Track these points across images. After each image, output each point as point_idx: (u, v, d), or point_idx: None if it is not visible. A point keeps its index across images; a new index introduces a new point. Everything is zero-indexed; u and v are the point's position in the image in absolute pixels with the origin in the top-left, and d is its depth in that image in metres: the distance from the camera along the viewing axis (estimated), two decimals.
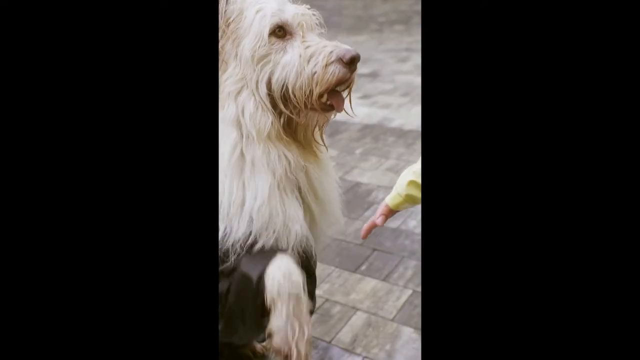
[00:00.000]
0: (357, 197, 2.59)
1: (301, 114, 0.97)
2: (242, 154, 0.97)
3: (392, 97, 4.27)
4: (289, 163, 0.98)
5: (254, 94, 0.94)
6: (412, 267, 2.00)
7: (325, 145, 1.08)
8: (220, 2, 0.93)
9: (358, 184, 2.73)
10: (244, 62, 0.94)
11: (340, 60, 0.93)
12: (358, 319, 1.75)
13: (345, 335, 1.68)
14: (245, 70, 0.94)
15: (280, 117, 0.97)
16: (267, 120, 0.95)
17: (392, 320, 1.73)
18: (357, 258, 2.09)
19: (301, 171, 1.02)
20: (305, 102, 0.95)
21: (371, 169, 2.90)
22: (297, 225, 1.01)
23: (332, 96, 0.98)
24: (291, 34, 0.97)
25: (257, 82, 0.94)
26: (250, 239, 0.97)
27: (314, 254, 1.09)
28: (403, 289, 1.87)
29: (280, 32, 0.95)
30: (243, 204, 0.96)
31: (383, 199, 2.51)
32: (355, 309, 1.79)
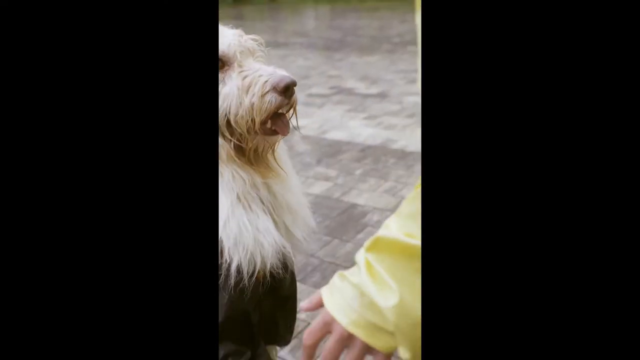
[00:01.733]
0: (351, 219, 2.57)
1: (246, 141, 1.00)
2: None
3: (397, 118, 4.27)
4: (245, 182, 0.99)
5: None
6: None
7: (280, 166, 1.09)
8: None
9: (354, 206, 2.72)
10: None
11: (274, 89, 0.96)
12: None
13: None
14: None
15: (229, 143, 1.00)
16: None
17: None
18: None
19: (262, 188, 1.04)
20: (248, 130, 0.98)
21: (369, 191, 2.90)
22: (270, 237, 1.02)
23: (275, 121, 1.00)
24: (229, 64, 0.98)
25: None
26: (224, 257, 0.99)
27: (291, 262, 1.12)
28: None
29: (220, 64, 0.97)
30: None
31: (378, 221, 2.52)
32: None
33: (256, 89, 0.95)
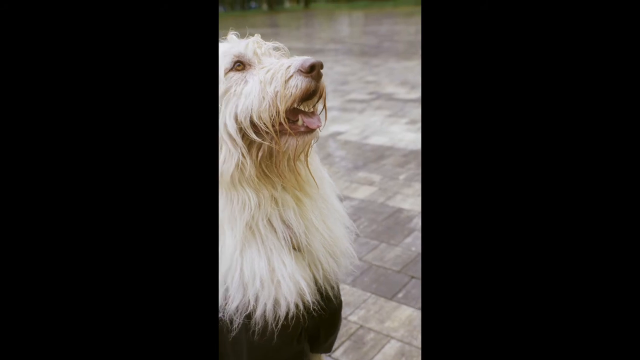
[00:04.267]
0: (397, 224, 2.57)
1: (276, 141, 0.90)
2: None
3: None
4: (260, 205, 0.92)
5: (220, 136, 0.89)
6: None
7: (313, 177, 1.00)
8: None
9: (400, 210, 2.71)
10: None
11: (299, 71, 0.88)
12: (391, 347, 1.73)
13: None
14: None
15: (257, 151, 0.91)
16: (231, 161, 0.89)
17: None
18: (394, 285, 2.07)
19: (288, 205, 0.96)
20: (274, 125, 0.89)
21: (414, 195, 2.88)
22: (287, 279, 0.95)
23: (306, 117, 0.93)
24: (250, 64, 0.93)
25: (224, 120, 0.89)
26: (246, 307, 0.95)
27: (335, 283, 1.06)
28: None
29: (240, 66, 0.92)
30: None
31: None
32: (389, 337, 1.78)
33: (279, 76, 0.88)
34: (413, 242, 2.39)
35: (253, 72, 0.91)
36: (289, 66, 0.88)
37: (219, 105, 0.90)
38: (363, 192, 2.98)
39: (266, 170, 0.93)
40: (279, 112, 0.88)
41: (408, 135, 3.98)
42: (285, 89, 0.87)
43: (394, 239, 2.42)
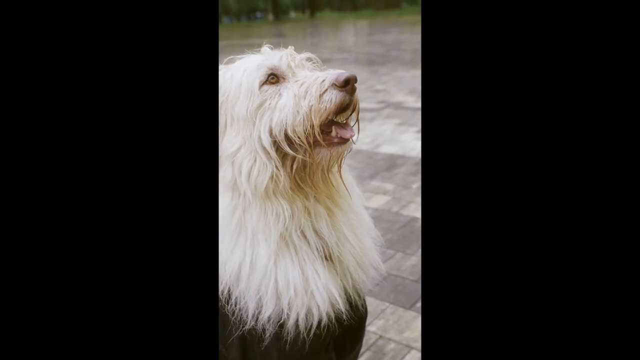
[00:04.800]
0: (413, 232, 2.57)
1: (310, 154, 0.91)
2: (240, 219, 0.95)
3: None
4: (293, 217, 0.93)
5: (254, 148, 0.91)
6: None
7: (346, 187, 1.02)
8: None
9: (414, 219, 2.71)
10: (242, 122, 0.92)
11: (334, 85, 0.88)
12: (412, 358, 1.72)
13: None
14: (243, 129, 0.92)
15: (291, 163, 0.92)
16: (265, 174, 0.90)
17: None
18: (412, 295, 2.07)
19: (321, 216, 0.97)
20: (307, 138, 0.89)
21: None
22: (320, 287, 0.96)
23: (339, 128, 0.93)
24: (284, 77, 0.94)
25: (259, 133, 0.90)
26: (279, 316, 0.96)
27: (351, 308, 1.05)
28: None
29: (274, 78, 0.93)
30: (250, 280, 0.95)
31: None
32: (409, 347, 1.77)
33: (314, 90, 0.88)
34: None
35: (287, 86, 0.92)
36: (324, 80, 0.89)
37: (254, 118, 0.91)
38: (377, 201, 2.98)
39: (300, 182, 0.94)
40: (313, 126, 0.88)
41: (419, 144, 3.98)
42: (319, 103, 0.88)
43: (409, 248, 2.42)
